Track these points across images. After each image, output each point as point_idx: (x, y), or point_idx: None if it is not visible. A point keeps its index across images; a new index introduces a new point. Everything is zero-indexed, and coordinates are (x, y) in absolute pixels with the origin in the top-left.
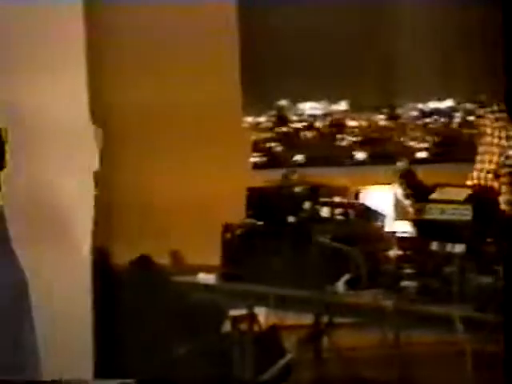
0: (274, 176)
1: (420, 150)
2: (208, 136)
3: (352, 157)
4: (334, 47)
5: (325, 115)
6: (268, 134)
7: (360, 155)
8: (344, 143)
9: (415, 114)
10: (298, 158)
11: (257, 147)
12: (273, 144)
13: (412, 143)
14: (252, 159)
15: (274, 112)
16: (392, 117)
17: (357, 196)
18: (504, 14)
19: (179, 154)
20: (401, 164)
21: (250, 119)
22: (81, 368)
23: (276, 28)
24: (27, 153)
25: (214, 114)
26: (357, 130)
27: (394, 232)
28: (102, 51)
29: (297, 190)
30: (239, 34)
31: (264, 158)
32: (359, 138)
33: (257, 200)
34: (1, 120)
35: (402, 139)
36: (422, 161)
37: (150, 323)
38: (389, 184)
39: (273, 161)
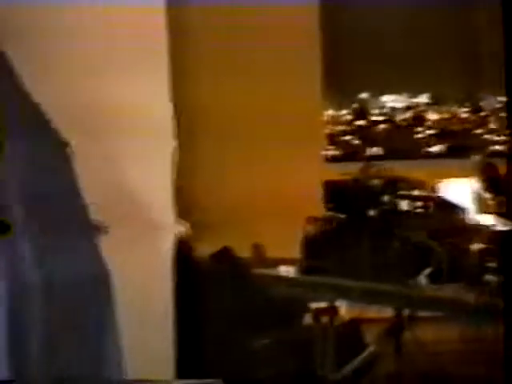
0: (348, 169)
1: (497, 143)
2: (287, 130)
3: (429, 150)
4: (418, 41)
5: (405, 108)
6: (346, 127)
7: (437, 148)
8: (421, 136)
9: (496, 106)
10: (374, 150)
11: (332, 140)
12: (349, 137)
13: (490, 136)
14: (327, 152)
15: (354, 105)
16: (473, 110)
17: (436, 189)
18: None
19: (260, 147)
20: (477, 158)
21: (330, 112)
22: (162, 366)
23: (358, 23)
24: (112, 146)
25: (293, 110)
26: (436, 123)
27: (476, 225)
28: (184, 50)
29: (376, 183)
30: (321, 29)
31: (339, 151)
32: (437, 131)
33: (337, 193)
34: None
35: (480, 132)
36: (499, 154)
37: (230, 316)
38: (466, 177)
39: (348, 154)
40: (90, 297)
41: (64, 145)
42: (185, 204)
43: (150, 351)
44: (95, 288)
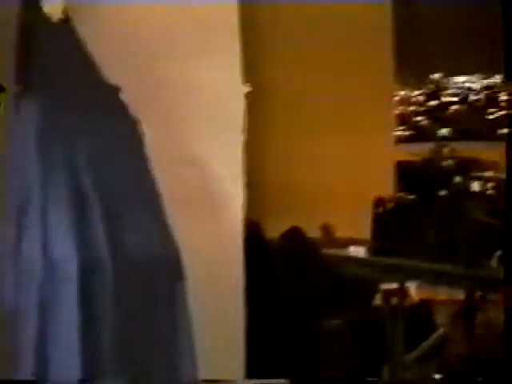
0: (418, 150)
1: None
2: (358, 111)
3: (501, 131)
4: (493, 21)
5: (477, 89)
6: (417, 108)
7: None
8: (493, 117)
9: None
10: (445, 131)
11: (403, 121)
12: (420, 118)
13: None
14: (397, 133)
15: (427, 85)
16: None
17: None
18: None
19: (331, 128)
20: None
21: (401, 93)
22: (231, 345)
23: (430, 2)
24: (182, 127)
25: (365, 90)
26: (508, 104)
27: None
28: (258, 42)
29: (447, 163)
30: (393, 8)
31: (409, 132)
32: (509, 112)
33: (407, 174)
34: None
35: None
36: None
37: (300, 296)
38: None
39: (419, 135)
40: (161, 275)
41: (134, 122)
42: (254, 184)
43: (219, 331)
44: (166, 265)
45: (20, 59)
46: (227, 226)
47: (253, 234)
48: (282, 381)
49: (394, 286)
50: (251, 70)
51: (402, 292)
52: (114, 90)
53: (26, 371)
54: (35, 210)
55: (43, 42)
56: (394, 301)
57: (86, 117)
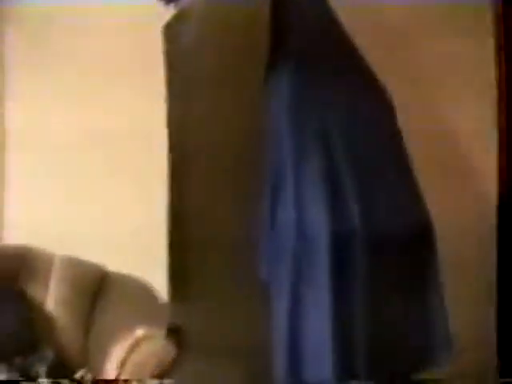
0: None
1: None
2: None
3: None
4: None
5: None
6: None
7: None
8: None
9: None
10: None
11: None
12: None
13: None
14: None
15: None
16: None
17: None
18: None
19: None
20: None
21: None
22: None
23: None
24: (431, 94)
25: None
26: None
27: None
28: None
29: None
30: None
31: None
32: None
33: None
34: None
35: None
36: None
37: None
38: None
39: None
40: (413, 248)
41: (385, 92)
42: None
43: (468, 316)
44: (418, 239)
45: (274, 29)
46: (480, 199)
47: (508, 210)
48: None
49: None
50: None
51: None
52: (364, 60)
53: (281, 363)
54: (290, 184)
55: (296, 12)
56: None
57: (338, 88)
